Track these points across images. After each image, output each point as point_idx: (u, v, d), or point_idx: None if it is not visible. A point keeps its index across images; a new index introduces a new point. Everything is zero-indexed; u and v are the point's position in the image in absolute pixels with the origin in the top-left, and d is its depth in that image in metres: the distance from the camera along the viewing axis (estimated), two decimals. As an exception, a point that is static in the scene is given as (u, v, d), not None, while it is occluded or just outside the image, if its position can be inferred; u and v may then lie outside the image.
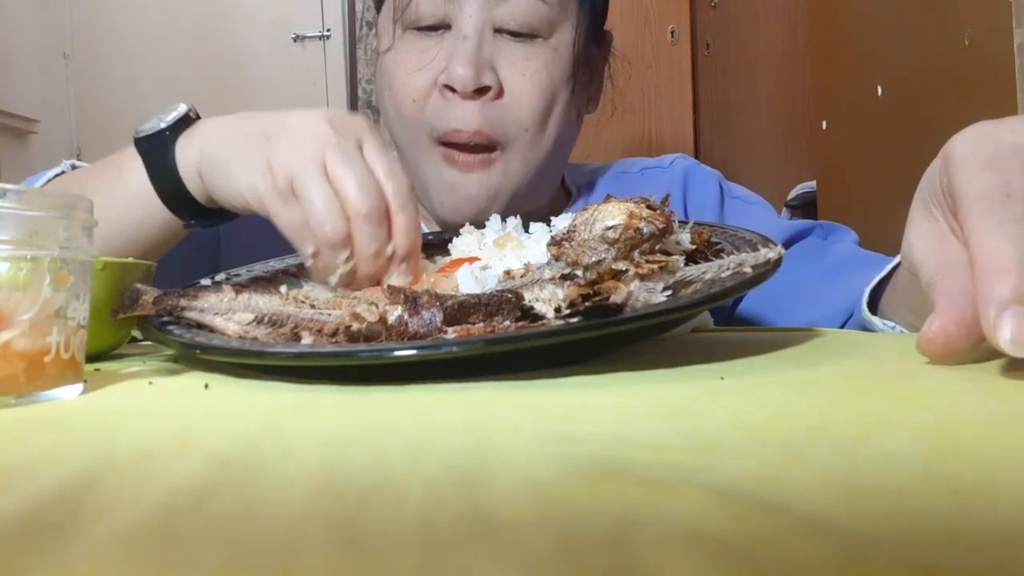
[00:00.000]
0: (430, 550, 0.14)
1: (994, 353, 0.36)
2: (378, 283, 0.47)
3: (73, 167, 0.66)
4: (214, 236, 0.76)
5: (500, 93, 0.66)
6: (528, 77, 0.67)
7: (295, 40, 2.94)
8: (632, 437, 0.22)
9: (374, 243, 0.47)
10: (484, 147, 0.67)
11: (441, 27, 0.68)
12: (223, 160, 0.51)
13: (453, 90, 0.65)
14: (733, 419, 0.25)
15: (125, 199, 0.56)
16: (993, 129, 0.33)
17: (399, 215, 0.48)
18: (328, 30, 2.93)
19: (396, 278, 0.48)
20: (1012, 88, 0.93)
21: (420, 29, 0.68)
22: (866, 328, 0.58)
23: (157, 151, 0.54)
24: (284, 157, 0.48)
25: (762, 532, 0.14)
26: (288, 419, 0.27)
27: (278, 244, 0.57)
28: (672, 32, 2.37)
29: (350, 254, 0.46)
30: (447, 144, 0.67)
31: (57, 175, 0.65)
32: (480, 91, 0.65)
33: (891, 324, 0.55)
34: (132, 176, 0.55)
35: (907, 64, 1.21)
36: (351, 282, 0.48)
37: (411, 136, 0.69)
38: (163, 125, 0.54)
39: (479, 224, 0.55)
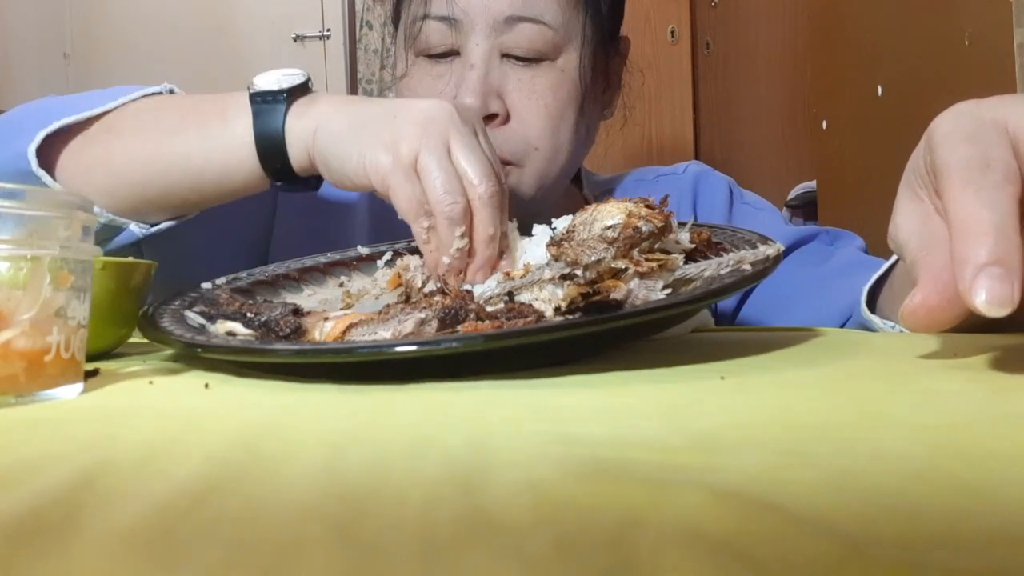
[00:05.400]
0: (430, 550, 0.14)
1: (992, 350, 0.36)
2: (491, 268, 0.49)
3: (171, 91, 0.63)
4: (269, 215, 0.78)
5: (507, 119, 0.68)
6: (534, 100, 0.69)
7: (295, 40, 2.94)
8: (632, 437, 0.22)
9: (491, 226, 0.48)
10: None
11: (451, 54, 0.69)
12: (346, 135, 0.51)
13: None
14: (733, 419, 0.25)
15: (219, 143, 0.55)
16: (973, 107, 0.34)
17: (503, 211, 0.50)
18: (328, 30, 2.93)
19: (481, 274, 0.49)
20: (1012, 88, 0.93)
21: (431, 56, 0.70)
22: (866, 327, 0.58)
23: (269, 110, 0.54)
24: (410, 135, 0.49)
25: (762, 532, 0.14)
26: (288, 419, 0.27)
27: (324, 248, 0.60)
28: (672, 32, 2.37)
29: (465, 231, 0.47)
30: None
31: (154, 94, 0.62)
32: (488, 118, 0.67)
33: (891, 323, 0.55)
34: (235, 124, 0.54)
35: (907, 64, 1.21)
36: (463, 266, 0.48)
37: None
38: (279, 87, 0.54)
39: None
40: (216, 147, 0.55)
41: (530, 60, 0.69)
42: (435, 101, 0.51)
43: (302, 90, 0.55)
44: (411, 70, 0.71)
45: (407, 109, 0.51)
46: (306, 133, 0.53)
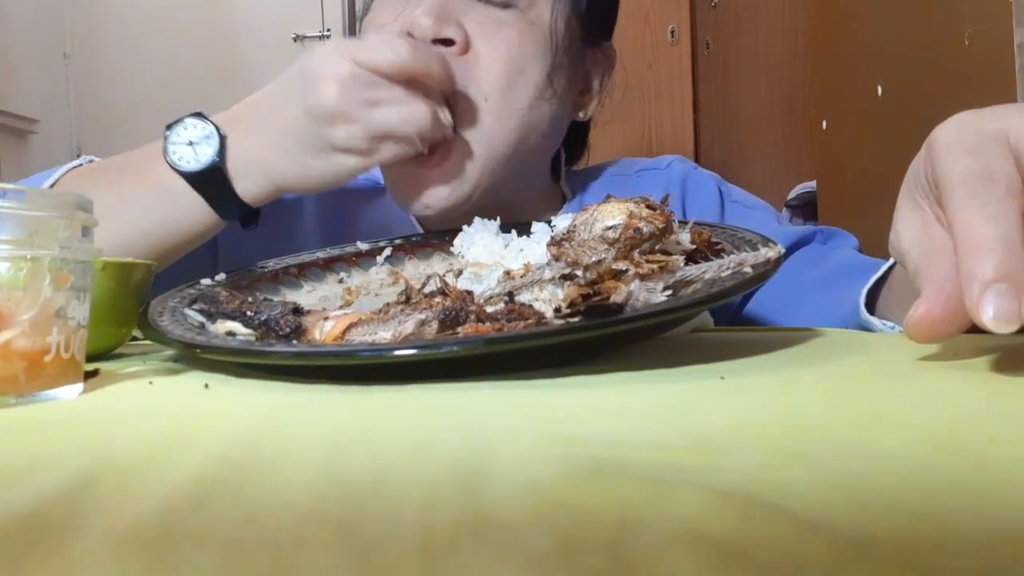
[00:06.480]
0: (430, 550, 0.14)
1: (992, 350, 0.36)
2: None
3: (91, 160, 0.66)
4: (211, 241, 0.76)
5: (465, 50, 0.62)
6: (497, 40, 0.63)
7: (295, 40, 2.94)
8: (632, 437, 0.22)
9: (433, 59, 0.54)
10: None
11: None
12: (302, 173, 0.55)
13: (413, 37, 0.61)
14: (733, 419, 0.25)
15: (181, 222, 0.58)
16: (974, 117, 0.34)
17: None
18: (328, 30, 2.93)
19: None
20: (1012, 88, 0.93)
21: None
22: (865, 329, 0.58)
23: (216, 186, 0.57)
24: (344, 128, 0.53)
25: (762, 532, 0.14)
26: (288, 419, 0.27)
27: (272, 249, 0.60)
28: (672, 32, 2.37)
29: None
30: None
31: (70, 169, 0.64)
32: (443, 43, 0.61)
33: (890, 324, 0.55)
34: (188, 203, 0.57)
35: (907, 64, 1.21)
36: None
37: None
38: (208, 160, 0.56)
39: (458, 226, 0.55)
40: (178, 228, 0.58)
41: (498, 2, 0.64)
42: (304, 64, 0.55)
43: (223, 150, 0.56)
44: (374, 4, 0.69)
45: (303, 95, 0.54)
46: (262, 189, 0.57)
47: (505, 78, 0.62)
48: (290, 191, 0.58)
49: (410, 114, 0.53)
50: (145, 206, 0.58)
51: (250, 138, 0.57)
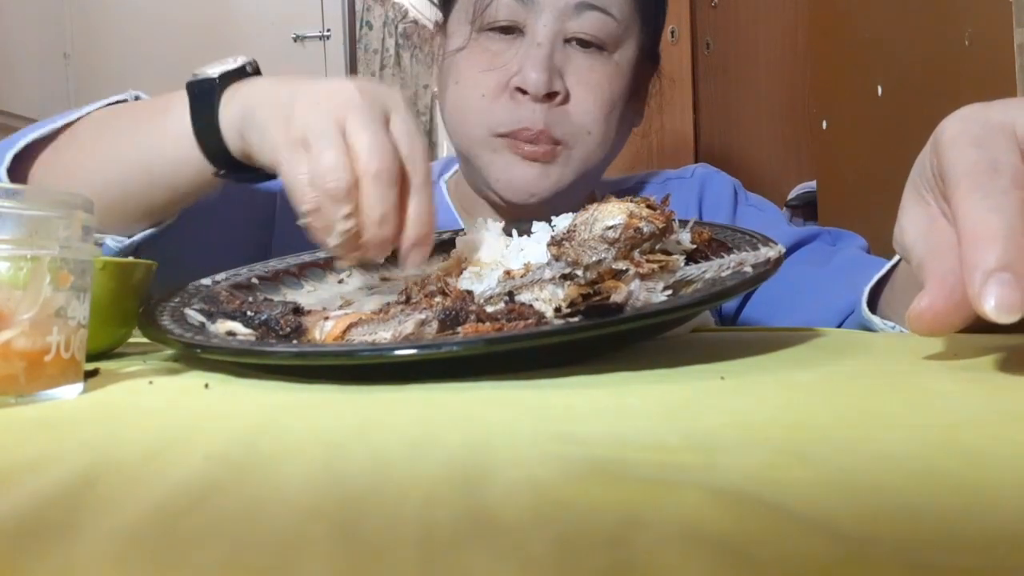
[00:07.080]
0: (430, 550, 0.14)
1: (992, 350, 0.36)
2: (391, 254, 0.47)
3: (137, 98, 0.65)
4: (269, 220, 0.78)
5: (566, 99, 0.71)
6: (592, 87, 0.72)
7: (295, 40, 2.95)
8: (632, 437, 0.22)
9: (379, 206, 0.44)
10: (546, 142, 0.71)
11: (515, 31, 0.72)
12: (257, 117, 0.51)
13: (524, 92, 0.70)
14: (733, 419, 0.25)
15: (166, 136, 0.55)
16: (981, 110, 0.34)
17: (414, 197, 0.46)
18: (328, 30, 2.94)
19: (407, 265, 0.47)
20: (1012, 88, 0.93)
21: (494, 31, 0.72)
22: (866, 327, 0.58)
23: (203, 98, 0.53)
24: (302, 111, 0.47)
25: (762, 532, 0.14)
26: (288, 419, 0.27)
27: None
28: (672, 32, 2.37)
29: (351, 212, 0.44)
30: (512, 137, 0.71)
31: (119, 101, 0.64)
32: (549, 96, 0.70)
33: (891, 324, 0.55)
34: (176, 116, 0.54)
35: (907, 64, 1.21)
36: (353, 248, 0.46)
37: (475, 130, 0.73)
38: (213, 74, 0.54)
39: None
40: (162, 141, 0.55)
41: (591, 47, 0.72)
42: (341, 82, 0.48)
43: (237, 75, 0.54)
44: (471, 44, 0.73)
45: (310, 87, 0.49)
46: (235, 118, 0.52)
47: (602, 117, 0.73)
48: (245, 141, 0.52)
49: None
50: (150, 126, 0.56)
51: (255, 83, 0.54)
